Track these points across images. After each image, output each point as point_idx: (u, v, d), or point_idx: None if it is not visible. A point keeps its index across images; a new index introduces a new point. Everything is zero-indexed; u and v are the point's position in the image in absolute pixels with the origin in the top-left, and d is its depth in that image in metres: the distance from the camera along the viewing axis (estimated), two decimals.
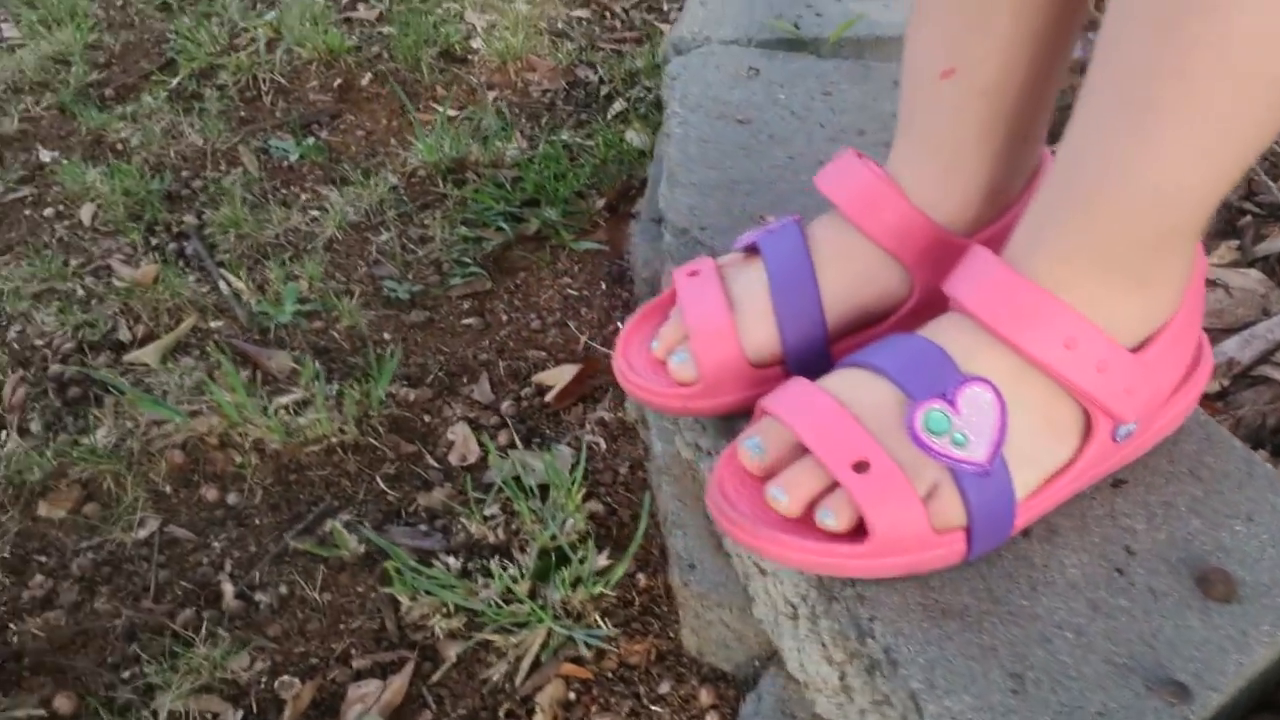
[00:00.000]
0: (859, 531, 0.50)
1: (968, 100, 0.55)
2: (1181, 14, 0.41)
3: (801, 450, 0.52)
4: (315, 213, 1.19)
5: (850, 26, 1.05)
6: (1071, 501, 0.55)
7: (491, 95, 1.48)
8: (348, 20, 1.67)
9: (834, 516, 0.49)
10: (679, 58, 1.02)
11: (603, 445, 0.90)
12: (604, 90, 1.50)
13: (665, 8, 1.78)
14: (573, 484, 0.81)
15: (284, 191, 1.24)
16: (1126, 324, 0.50)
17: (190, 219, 1.18)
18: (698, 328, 0.59)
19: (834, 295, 0.59)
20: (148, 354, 0.98)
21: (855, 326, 0.61)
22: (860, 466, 0.48)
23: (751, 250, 0.63)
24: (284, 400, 0.93)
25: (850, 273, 0.60)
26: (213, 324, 1.03)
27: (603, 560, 0.77)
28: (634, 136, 1.34)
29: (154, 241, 1.14)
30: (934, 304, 0.60)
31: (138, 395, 0.91)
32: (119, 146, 1.31)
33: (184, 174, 1.26)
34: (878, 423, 0.50)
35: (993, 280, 0.50)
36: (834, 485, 0.50)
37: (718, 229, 0.78)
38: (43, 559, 0.81)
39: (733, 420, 0.63)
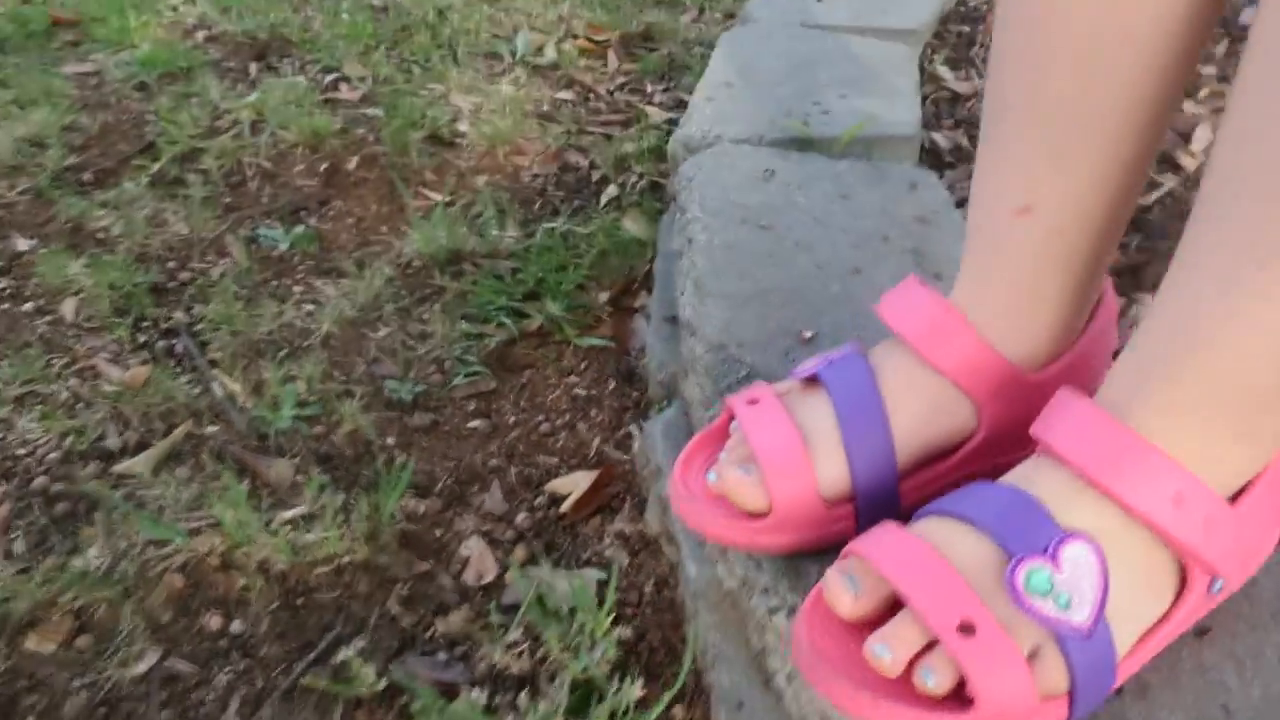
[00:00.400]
0: (957, 691, 0.48)
1: (1045, 238, 0.54)
2: None
3: (896, 600, 0.49)
4: (310, 307, 1.15)
5: (862, 128, 1.05)
6: (1158, 653, 0.53)
7: (481, 180, 1.46)
8: (330, 101, 1.65)
9: (935, 677, 0.47)
10: (692, 158, 1.01)
11: (625, 560, 0.87)
12: (595, 176, 1.49)
13: (649, 89, 1.79)
14: (603, 610, 0.77)
15: (275, 284, 1.20)
16: (1225, 475, 0.49)
17: (179, 315, 1.13)
18: (770, 458, 0.56)
19: (903, 431, 0.57)
20: (140, 464, 0.93)
21: (921, 463, 0.59)
22: (966, 628, 0.46)
23: (810, 380, 0.61)
24: (288, 514, 0.88)
25: (919, 407, 0.58)
26: (207, 430, 0.98)
27: (637, 690, 0.73)
28: (631, 225, 1.32)
29: (141, 339, 1.10)
30: (1001, 440, 0.59)
31: (135, 513, 0.86)
32: (100, 235, 1.26)
33: (170, 265, 1.22)
34: (977, 579, 0.48)
35: (1095, 430, 0.48)
36: (934, 642, 0.48)
37: (754, 344, 0.76)
38: (33, 700, 0.75)
39: (795, 559, 0.60)
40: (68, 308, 1.14)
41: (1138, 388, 0.49)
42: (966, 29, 1.45)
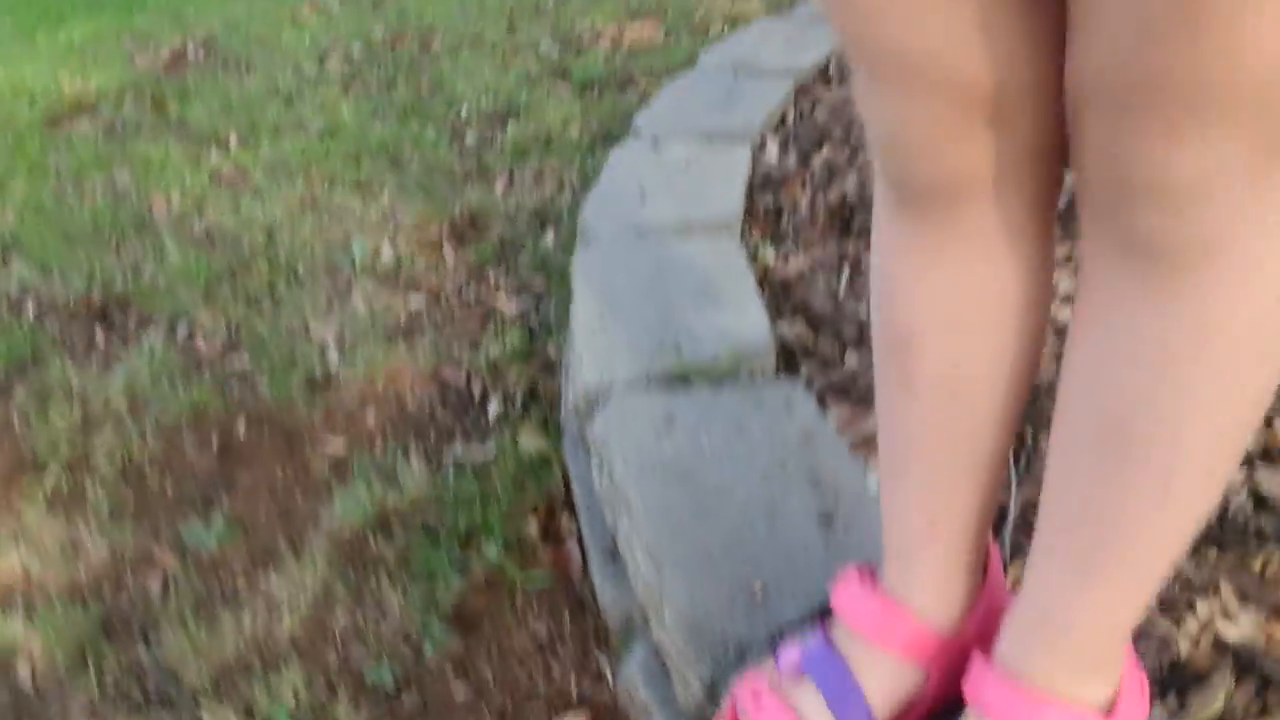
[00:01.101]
0: None
1: (950, 541, 0.73)
2: (1121, 497, 0.60)
3: None
4: (264, 608, 1.22)
5: (729, 353, 1.23)
6: None
7: (370, 416, 1.55)
8: (192, 361, 1.69)
9: None
10: (599, 415, 1.16)
11: None
12: (476, 388, 1.61)
13: (492, 278, 1.92)
14: None
15: (220, 589, 1.26)
16: (1099, 695, 0.69)
17: (140, 650, 1.17)
18: None
19: (878, 704, 0.75)
20: None
21: None
22: None
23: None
24: None
25: (884, 681, 0.75)
26: None
27: None
28: (529, 442, 1.45)
29: (110, 688, 1.13)
30: (946, 685, 0.77)
31: None
32: (11, 582, 1.27)
33: (106, 596, 1.25)
34: None
35: (1008, 694, 0.67)
36: None
37: (719, 611, 0.92)
38: None
39: None
40: (22, 671, 1.16)
41: (1027, 651, 0.68)
42: (771, 197, 1.68)
